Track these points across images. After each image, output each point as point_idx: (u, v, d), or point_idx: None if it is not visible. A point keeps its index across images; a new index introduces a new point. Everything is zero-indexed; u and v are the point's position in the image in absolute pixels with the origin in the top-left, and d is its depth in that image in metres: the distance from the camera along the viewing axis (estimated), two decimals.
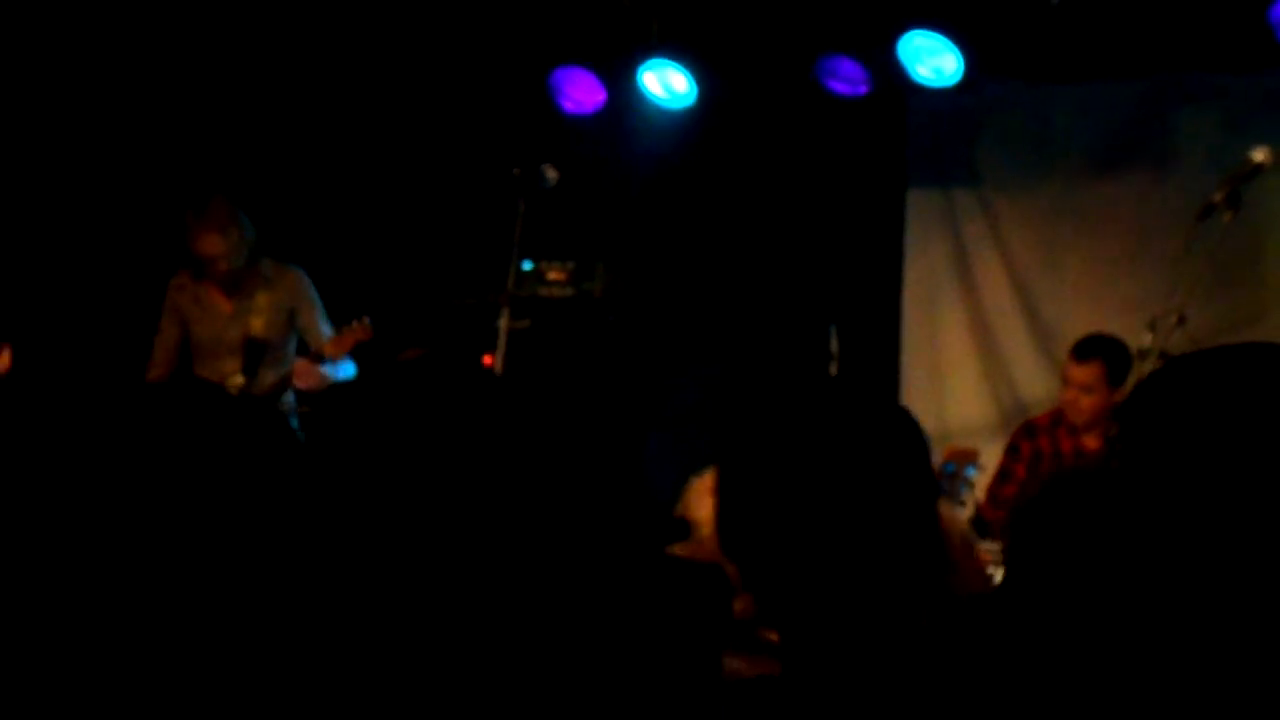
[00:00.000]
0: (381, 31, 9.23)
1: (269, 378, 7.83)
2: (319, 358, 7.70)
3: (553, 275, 8.61)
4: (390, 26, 9.22)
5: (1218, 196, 6.87)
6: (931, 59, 8.53)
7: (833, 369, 8.52)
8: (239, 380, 7.73)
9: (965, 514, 7.53)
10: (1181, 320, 6.89)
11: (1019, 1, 8.39)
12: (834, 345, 8.54)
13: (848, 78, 8.82)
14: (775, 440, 2.61)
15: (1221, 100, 8.84)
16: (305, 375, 7.71)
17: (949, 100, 9.09)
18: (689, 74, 8.90)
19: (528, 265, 8.43)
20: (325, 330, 7.84)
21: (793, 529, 2.54)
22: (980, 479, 7.73)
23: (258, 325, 7.75)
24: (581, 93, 9.22)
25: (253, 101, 9.48)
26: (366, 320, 7.59)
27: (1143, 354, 7.07)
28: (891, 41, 8.52)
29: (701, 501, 4.23)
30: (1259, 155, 6.87)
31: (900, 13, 8.52)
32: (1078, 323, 8.53)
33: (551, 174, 7.76)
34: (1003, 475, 8.04)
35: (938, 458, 7.65)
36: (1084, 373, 8.00)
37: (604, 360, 8.84)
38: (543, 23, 9.17)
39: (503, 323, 7.89)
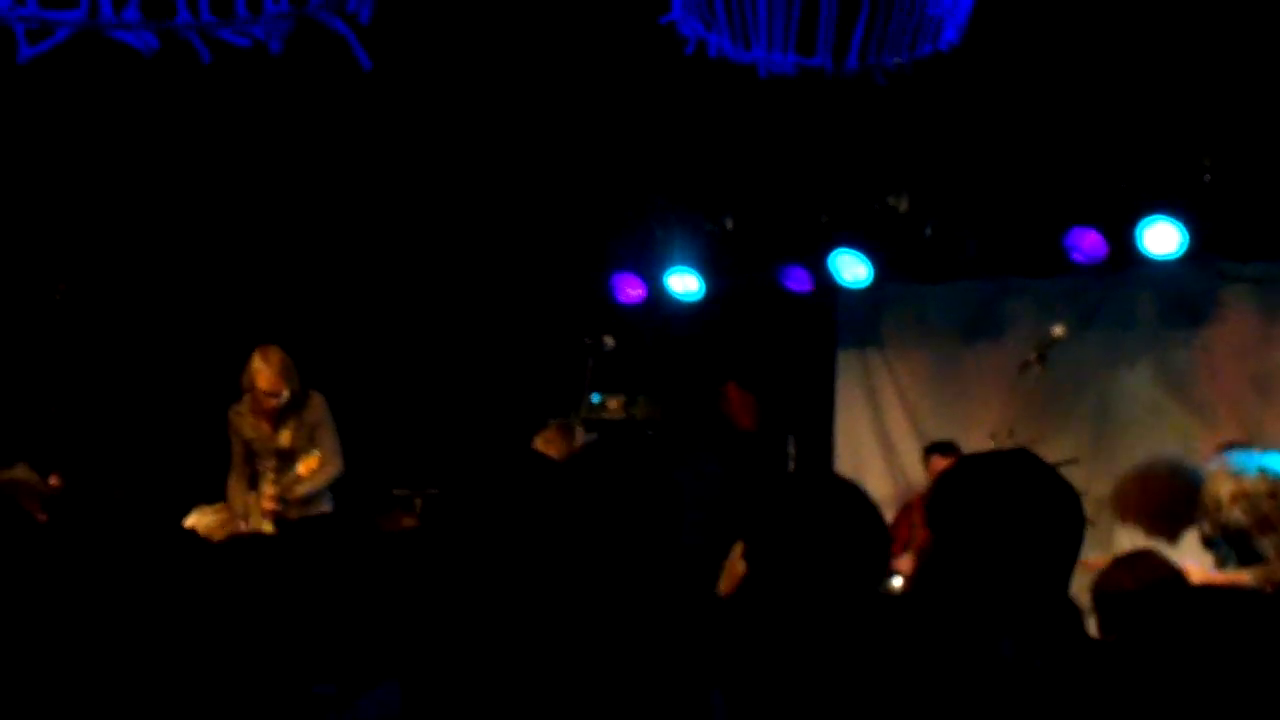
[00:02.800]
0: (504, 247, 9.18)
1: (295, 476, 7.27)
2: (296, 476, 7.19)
3: (612, 405, 8.68)
4: (504, 245, 9.17)
5: (1032, 356, 7.06)
6: (851, 268, 8.68)
7: (791, 465, 8.55)
8: (272, 476, 7.27)
9: None
10: (1011, 433, 7.01)
11: (905, 231, 8.49)
12: (792, 450, 8.71)
13: (798, 280, 8.92)
14: (790, 524, 2.66)
15: (1034, 295, 8.91)
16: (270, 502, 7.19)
17: (863, 294, 9.12)
18: (699, 277, 9.02)
19: (596, 398, 8.43)
20: (330, 447, 7.34)
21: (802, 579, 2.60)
22: None
23: (285, 439, 7.26)
24: (630, 288, 9.29)
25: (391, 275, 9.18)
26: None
27: None
28: (825, 256, 8.66)
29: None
30: (1058, 330, 7.06)
31: (830, 237, 8.63)
32: (944, 434, 8.63)
33: (610, 341, 7.76)
34: (897, 533, 8.14)
35: None
36: (945, 462, 8.02)
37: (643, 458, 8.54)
38: (606, 243, 9.26)
39: (579, 436, 7.79)
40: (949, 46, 3.28)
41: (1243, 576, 5.51)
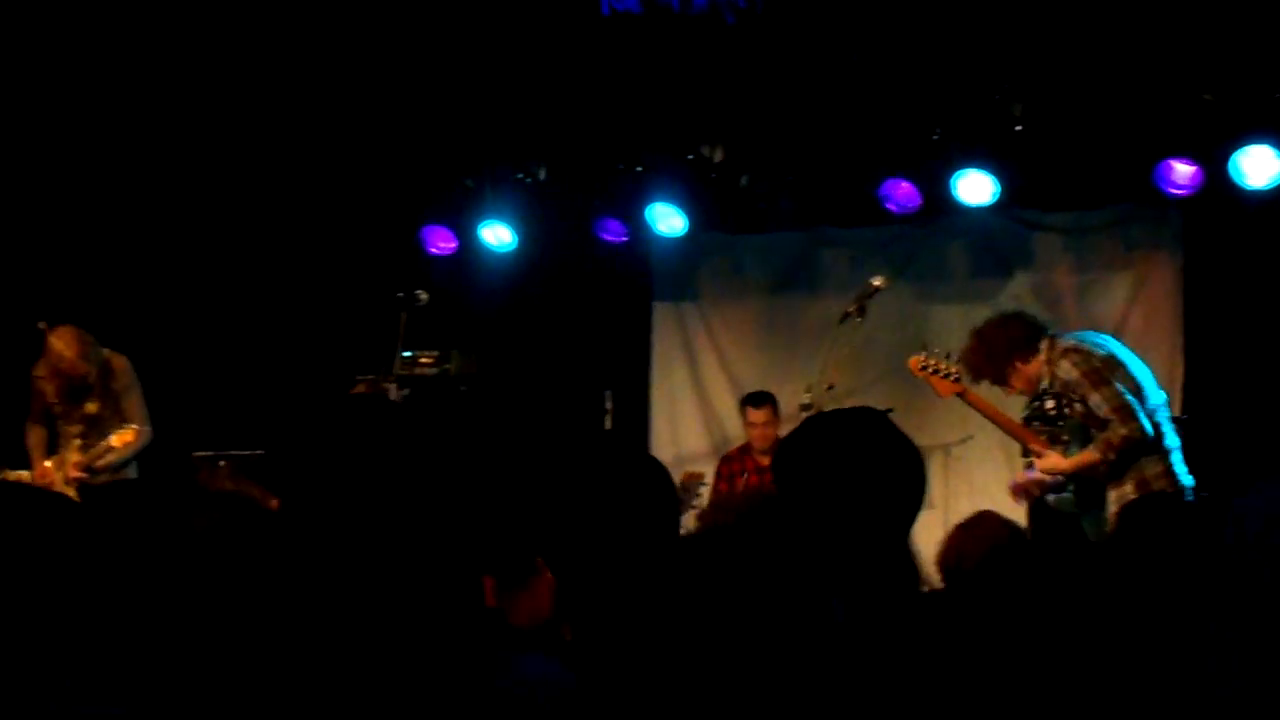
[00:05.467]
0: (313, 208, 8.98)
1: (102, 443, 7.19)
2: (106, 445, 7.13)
3: (424, 360, 8.43)
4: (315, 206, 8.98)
5: (852, 307, 6.99)
6: (667, 219, 8.61)
7: (608, 420, 8.51)
8: (78, 443, 7.21)
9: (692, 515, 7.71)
10: (831, 387, 6.99)
11: (720, 181, 8.46)
12: (609, 404, 8.60)
13: (614, 231, 8.88)
14: (584, 489, 2.53)
15: (849, 245, 9.00)
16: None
17: (679, 245, 9.09)
18: (512, 229, 8.82)
19: (407, 354, 8.18)
20: (137, 414, 7.25)
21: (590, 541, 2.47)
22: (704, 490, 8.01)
23: (92, 406, 7.19)
24: (441, 241, 9.06)
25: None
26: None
27: (804, 407, 7.05)
28: (640, 207, 8.60)
29: None
30: (877, 280, 7.00)
31: (645, 188, 8.55)
32: (761, 387, 8.66)
33: (423, 295, 7.56)
34: (717, 489, 8.24)
35: (679, 477, 7.92)
36: (761, 414, 8.28)
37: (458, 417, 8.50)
38: (415, 195, 9.00)
39: (391, 393, 7.62)
40: None
41: (1087, 455, 6.02)
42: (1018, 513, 7.03)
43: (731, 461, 8.55)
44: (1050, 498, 6.49)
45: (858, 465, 2.64)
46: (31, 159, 8.22)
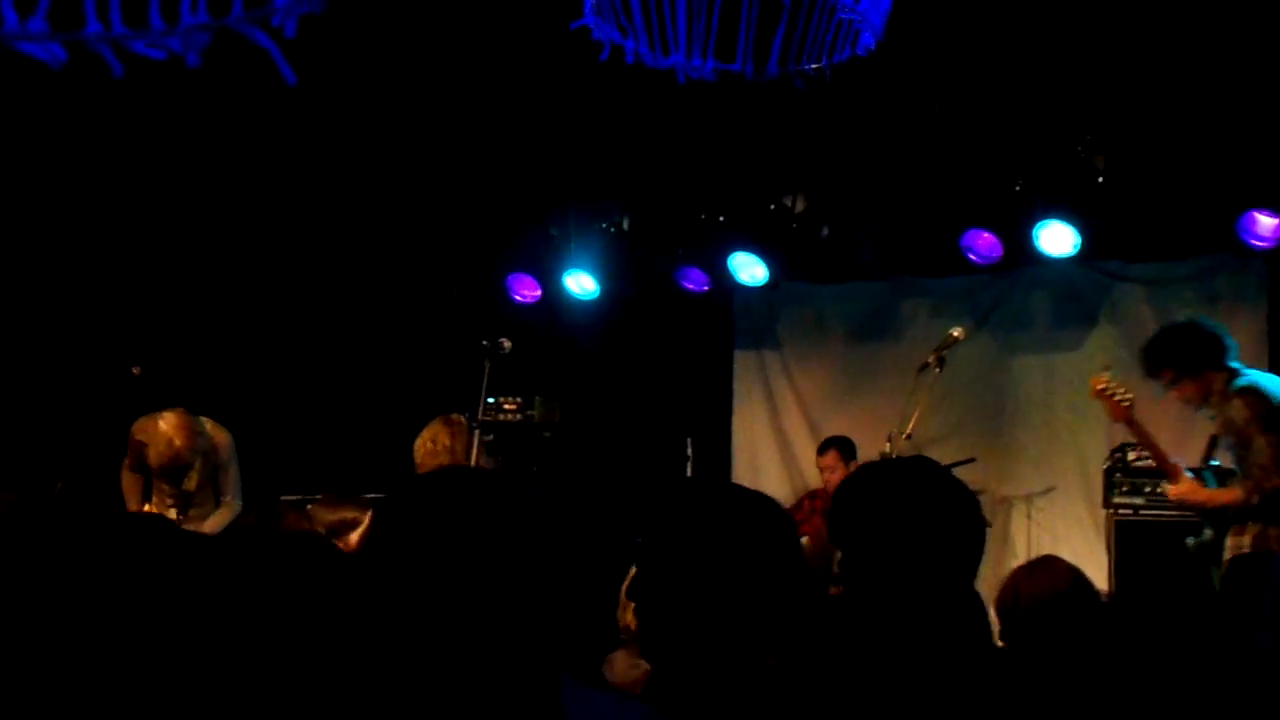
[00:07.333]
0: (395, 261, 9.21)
1: (196, 516, 7.08)
2: None
3: (507, 406, 8.47)
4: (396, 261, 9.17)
5: (931, 358, 6.89)
6: (749, 269, 8.68)
7: (689, 467, 8.49)
8: (172, 507, 7.05)
9: None
10: (909, 435, 6.76)
11: (801, 230, 8.47)
12: (689, 450, 8.61)
13: (696, 280, 8.95)
14: (685, 538, 2.48)
15: (930, 295, 9.03)
16: None
17: (760, 294, 9.20)
18: (595, 277, 8.96)
19: (491, 400, 7.86)
20: (231, 488, 7.20)
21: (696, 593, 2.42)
22: None
23: (191, 482, 7.07)
24: (526, 289, 9.26)
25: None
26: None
27: (883, 455, 6.81)
28: (722, 257, 8.66)
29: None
30: (957, 331, 6.94)
31: (727, 237, 8.63)
32: (841, 435, 8.60)
33: (506, 343, 7.25)
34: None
35: None
36: (825, 460, 8.36)
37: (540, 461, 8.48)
38: (500, 244, 9.15)
39: (476, 437, 7.82)
40: (866, 51, 3.23)
41: (1227, 492, 5.97)
42: (1100, 564, 7.02)
43: (801, 504, 8.60)
44: (1190, 540, 6.32)
45: (907, 513, 2.62)
46: (124, 209, 8.36)
